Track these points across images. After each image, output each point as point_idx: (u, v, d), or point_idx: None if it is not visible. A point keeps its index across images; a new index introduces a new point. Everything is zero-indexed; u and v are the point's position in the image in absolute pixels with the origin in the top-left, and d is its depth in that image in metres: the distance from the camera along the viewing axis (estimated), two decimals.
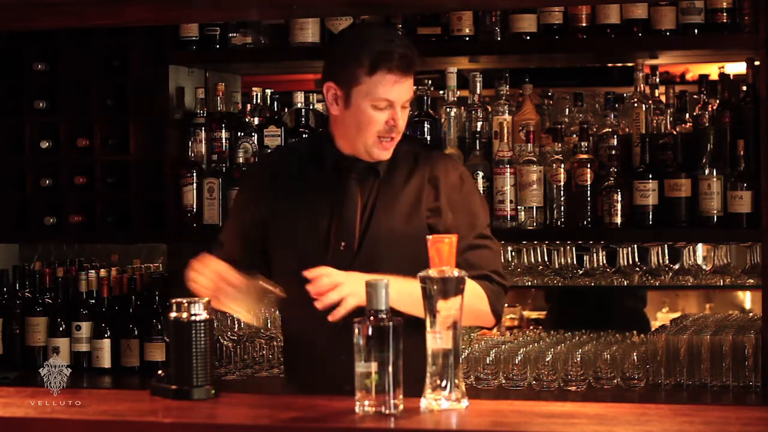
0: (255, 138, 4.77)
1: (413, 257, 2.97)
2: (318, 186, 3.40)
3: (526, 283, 4.79)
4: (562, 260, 4.71)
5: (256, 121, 4.82)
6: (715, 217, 4.34)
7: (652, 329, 4.94)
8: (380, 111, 3.29)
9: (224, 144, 4.78)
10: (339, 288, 3.13)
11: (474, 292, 3.27)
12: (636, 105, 4.49)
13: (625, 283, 4.70)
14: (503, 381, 4.34)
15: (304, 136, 4.69)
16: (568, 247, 4.70)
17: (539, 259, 4.73)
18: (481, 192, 4.29)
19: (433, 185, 3.39)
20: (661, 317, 6.29)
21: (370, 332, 2.69)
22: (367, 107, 3.29)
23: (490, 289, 3.36)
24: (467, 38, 4.56)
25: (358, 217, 3.35)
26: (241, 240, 3.50)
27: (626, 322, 5.15)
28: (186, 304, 2.97)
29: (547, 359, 4.32)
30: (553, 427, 2.67)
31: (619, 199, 4.38)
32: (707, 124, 4.38)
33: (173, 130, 4.84)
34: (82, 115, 4.96)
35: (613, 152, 4.43)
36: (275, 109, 4.90)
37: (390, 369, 2.69)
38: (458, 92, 4.64)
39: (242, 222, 3.52)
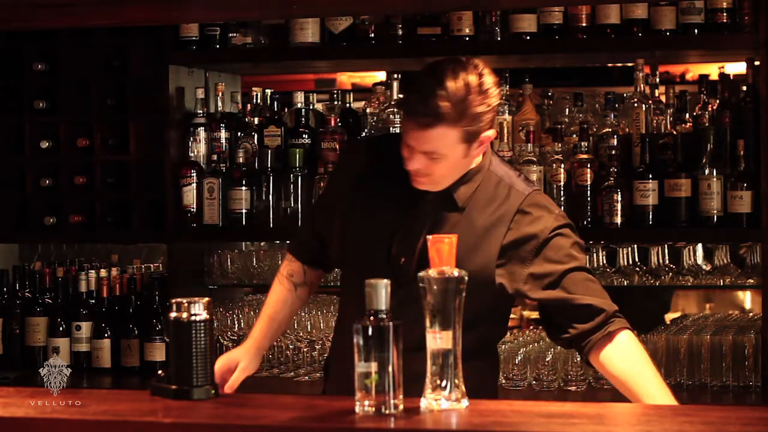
0: (255, 138, 4.78)
1: (470, 299, 2.83)
2: (399, 194, 3.29)
3: None
4: None
5: (256, 121, 4.83)
6: (715, 217, 4.34)
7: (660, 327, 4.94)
8: (405, 146, 3.18)
9: (224, 144, 4.79)
10: None
11: (643, 352, 3.20)
12: (636, 105, 4.50)
13: (625, 283, 4.70)
14: (504, 381, 4.34)
15: (303, 135, 4.70)
16: None
17: None
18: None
19: (515, 233, 3.22)
20: None
21: (370, 332, 2.69)
22: (402, 139, 3.20)
23: (626, 324, 3.23)
24: (467, 38, 4.56)
25: (422, 238, 3.17)
26: (336, 229, 3.40)
27: (629, 322, 5.14)
28: (186, 304, 2.97)
29: (547, 359, 4.32)
30: (553, 427, 2.67)
31: (619, 199, 4.38)
32: (707, 124, 4.38)
33: (173, 130, 4.84)
34: (82, 115, 4.96)
35: (613, 152, 4.43)
36: (275, 109, 4.90)
37: (390, 369, 2.69)
38: None
39: (335, 209, 3.40)
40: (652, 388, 3.08)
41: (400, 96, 4.63)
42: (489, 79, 3.19)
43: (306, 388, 4.49)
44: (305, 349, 4.68)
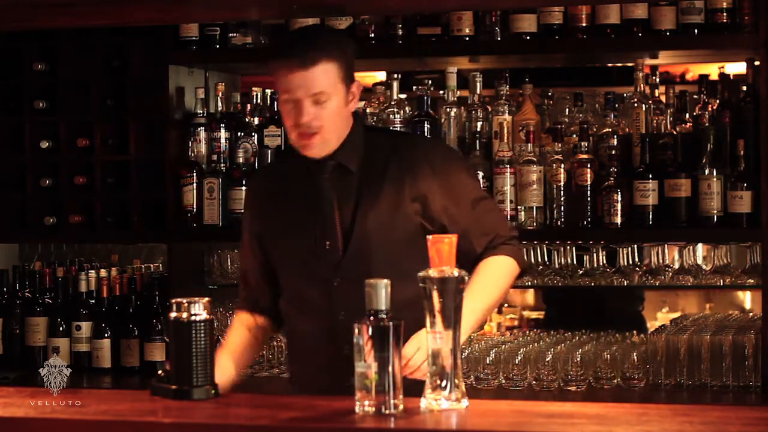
0: (255, 138, 4.78)
1: (404, 250, 2.97)
2: (300, 191, 3.43)
3: (526, 283, 4.79)
4: (562, 260, 4.71)
5: (256, 121, 4.82)
6: (715, 217, 4.34)
7: (651, 329, 4.95)
8: (287, 104, 3.29)
9: (224, 144, 4.78)
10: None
11: (504, 270, 3.40)
12: (636, 105, 4.49)
13: (625, 283, 4.70)
14: (503, 381, 4.34)
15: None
16: (568, 247, 4.70)
17: (539, 259, 4.73)
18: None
19: (413, 172, 3.37)
20: (661, 317, 6.29)
21: (370, 332, 2.69)
22: (281, 102, 3.32)
23: (511, 251, 3.42)
24: (467, 38, 4.56)
25: (336, 215, 3.36)
26: (261, 272, 3.53)
27: (626, 322, 5.15)
28: (186, 304, 2.97)
29: (547, 359, 4.32)
30: (553, 427, 2.67)
31: (619, 199, 4.38)
32: (707, 124, 4.38)
33: (173, 130, 4.84)
34: (82, 115, 4.96)
35: (613, 152, 4.43)
36: (275, 109, 4.90)
37: (390, 369, 2.69)
38: (458, 92, 4.64)
39: (255, 251, 3.53)
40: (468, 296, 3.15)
41: (400, 96, 4.66)
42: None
43: None
44: None
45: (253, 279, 3.55)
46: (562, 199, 4.44)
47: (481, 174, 4.45)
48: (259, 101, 4.88)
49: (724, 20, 4.37)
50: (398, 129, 4.52)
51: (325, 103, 3.26)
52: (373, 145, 3.41)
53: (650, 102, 4.50)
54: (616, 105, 4.61)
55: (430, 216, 3.36)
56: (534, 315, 6.51)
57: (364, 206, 3.36)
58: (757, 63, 4.33)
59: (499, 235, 3.43)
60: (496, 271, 3.40)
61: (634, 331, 4.60)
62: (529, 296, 6.61)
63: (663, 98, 4.62)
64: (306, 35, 3.34)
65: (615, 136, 4.46)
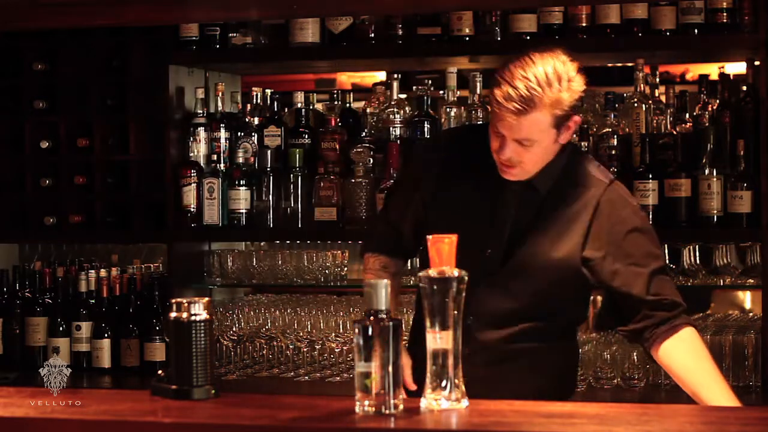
0: (255, 138, 4.78)
1: (558, 284, 2.91)
2: (481, 187, 3.36)
3: None
4: None
5: (256, 121, 4.83)
6: (715, 217, 4.34)
7: None
8: (496, 136, 3.24)
9: (224, 144, 4.79)
10: None
11: (705, 350, 3.27)
12: (636, 105, 4.49)
13: None
14: None
15: (303, 135, 4.69)
16: None
17: None
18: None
19: (599, 224, 3.29)
20: None
21: (370, 332, 2.69)
22: (492, 126, 3.26)
23: (691, 323, 3.31)
24: (467, 38, 4.56)
25: (509, 228, 3.32)
26: (410, 218, 3.48)
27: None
28: (186, 304, 2.97)
29: None
30: (553, 427, 2.67)
31: None
32: (707, 124, 4.38)
33: (173, 130, 4.84)
34: (82, 115, 4.96)
35: (613, 152, 4.43)
36: (275, 109, 4.90)
37: (390, 369, 2.69)
38: (458, 92, 4.64)
39: (411, 199, 3.48)
40: (715, 386, 3.15)
41: (400, 96, 4.66)
42: (572, 66, 3.25)
43: (306, 388, 4.49)
44: (305, 349, 4.67)
45: (396, 214, 3.49)
46: None
47: None
48: (259, 101, 4.88)
49: (724, 20, 4.37)
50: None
51: (528, 147, 3.23)
52: (574, 175, 3.33)
53: (650, 102, 4.50)
54: (616, 105, 4.61)
55: (597, 275, 3.30)
56: None
57: (538, 228, 3.30)
58: (757, 63, 4.33)
59: (675, 302, 3.29)
60: (705, 350, 3.27)
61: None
62: None
63: (663, 98, 4.62)
64: (525, 81, 3.18)
65: (615, 136, 4.46)
